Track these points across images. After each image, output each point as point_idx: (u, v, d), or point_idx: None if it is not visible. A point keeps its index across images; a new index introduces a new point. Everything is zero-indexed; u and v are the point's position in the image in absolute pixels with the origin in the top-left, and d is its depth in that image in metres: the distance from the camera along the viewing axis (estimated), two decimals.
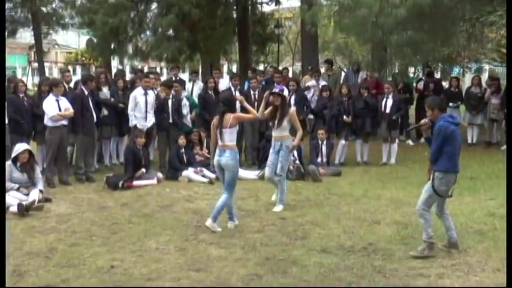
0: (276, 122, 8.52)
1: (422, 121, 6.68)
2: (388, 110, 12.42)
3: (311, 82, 13.86)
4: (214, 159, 7.52)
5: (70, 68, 38.27)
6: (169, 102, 11.47)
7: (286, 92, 8.53)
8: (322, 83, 13.79)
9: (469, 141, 15.10)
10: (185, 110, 12.10)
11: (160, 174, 10.72)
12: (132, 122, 11.26)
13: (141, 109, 11.23)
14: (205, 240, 7.00)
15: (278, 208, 8.52)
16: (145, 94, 11.28)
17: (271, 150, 8.65)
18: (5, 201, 8.06)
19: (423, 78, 16.71)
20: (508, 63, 13.40)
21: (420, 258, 6.32)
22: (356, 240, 7.02)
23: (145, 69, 42.28)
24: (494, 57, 27.89)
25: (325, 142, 11.70)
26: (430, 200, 6.48)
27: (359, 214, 8.22)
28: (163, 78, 18.47)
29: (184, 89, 12.87)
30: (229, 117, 7.41)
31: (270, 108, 8.67)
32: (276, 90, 8.57)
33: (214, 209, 7.45)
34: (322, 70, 16.76)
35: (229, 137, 7.41)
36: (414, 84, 16.86)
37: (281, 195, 8.58)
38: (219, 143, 7.46)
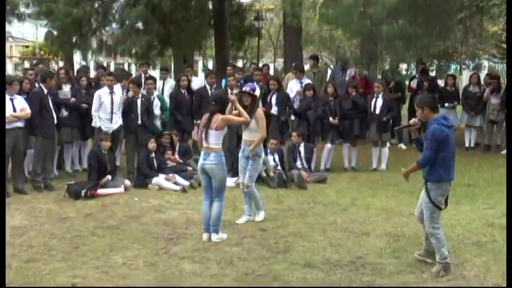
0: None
1: (412, 121, 6.67)
2: (378, 111, 12.52)
3: (295, 86, 13.62)
4: (199, 162, 7.57)
5: (27, 63, 37.97)
6: (138, 101, 11.45)
7: (258, 91, 8.37)
8: (306, 81, 13.87)
9: (467, 144, 15.28)
10: (156, 111, 12.09)
11: (127, 182, 10.68)
12: (96, 123, 11.22)
13: (106, 109, 11.19)
14: (177, 254, 7.00)
15: (260, 217, 8.54)
16: (111, 93, 11.25)
17: (240, 154, 8.61)
18: (5, 201, 7.99)
19: (417, 75, 16.88)
20: (508, 61, 13.59)
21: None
22: (343, 253, 7.06)
23: (112, 66, 42.22)
24: (494, 54, 28.26)
25: (302, 145, 11.74)
26: (435, 216, 6.43)
27: (346, 225, 8.28)
28: (133, 74, 18.41)
29: (155, 87, 12.83)
30: (217, 118, 7.46)
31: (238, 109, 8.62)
32: (247, 89, 8.44)
33: (211, 221, 7.49)
34: (307, 67, 16.83)
35: (215, 139, 7.45)
36: (407, 83, 17.01)
37: (257, 203, 8.59)
38: (204, 144, 7.49)
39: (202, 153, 7.55)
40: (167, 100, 12.70)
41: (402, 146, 15.57)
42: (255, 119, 8.24)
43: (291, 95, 13.30)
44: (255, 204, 8.62)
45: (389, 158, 12.85)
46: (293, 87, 13.66)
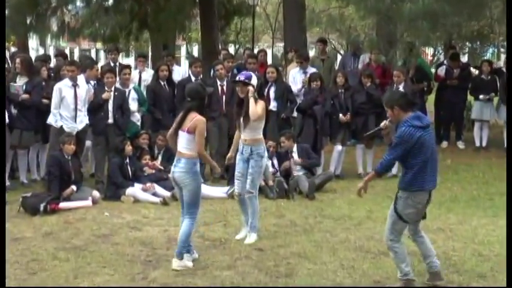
0: (242, 120, 8.55)
1: (382, 124, 6.76)
2: None
3: (299, 76, 13.65)
4: (171, 170, 7.63)
5: None
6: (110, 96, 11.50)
7: (254, 80, 8.47)
8: (311, 70, 13.91)
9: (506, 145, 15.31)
10: (134, 106, 12.08)
11: (96, 193, 10.69)
12: (57, 123, 11.21)
13: (68, 106, 11.19)
14: (157, 280, 7.00)
15: (251, 239, 8.48)
16: (74, 86, 11.25)
17: (238, 157, 8.70)
18: (5, 201, 7.98)
19: (445, 62, 16.91)
20: (508, 60, 13.60)
21: None
22: (357, 277, 7.08)
23: (76, 52, 42.23)
24: None
25: (295, 148, 11.76)
26: (397, 228, 6.61)
27: (361, 243, 8.30)
28: (101, 64, 18.43)
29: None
30: (192, 117, 7.43)
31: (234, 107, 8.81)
32: (241, 77, 8.56)
33: (178, 243, 7.47)
34: (312, 53, 16.91)
35: (187, 143, 7.45)
36: (433, 70, 17.04)
37: (253, 219, 8.60)
38: (177, 148, 7.54)
39: (175, 159, 7.57)
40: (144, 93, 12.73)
41: None
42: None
43: (294, 88, 13.34)
44: (250, 218, 8.61)
45: None
46: (296, 77, 13.67)
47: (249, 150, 8.55)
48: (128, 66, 12.85)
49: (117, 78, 11.82)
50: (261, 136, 8.66)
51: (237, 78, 8.65)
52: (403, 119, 6.48)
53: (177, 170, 7.47)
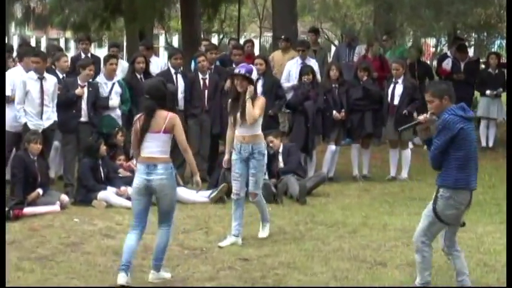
0: (239, 116, 8.64)
1: (422, 117, 6.75)
2: (397, 101, 12.59)
3: (296, 68, 13.69)
4: (137, 179, 7.36)
5: None
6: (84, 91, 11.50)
7: (255, 74, 8.74)
8: (311, 61, 13.91)
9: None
10: (116, 100, 12.01)
11: (65, 197, 10.66)
12: (21, 119, 11.16)
13: (33, 101, 11.15)
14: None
15: (265, 232, 9.01)
16: (41, 79, 11.22)
17: (234, 157, 8.81)
18: (4, 201, 7.98)
19: (449, 53, 16.95)
20: (508, 58, 13.66)
21: None
22: None
23: (43, 41, 42.05)
24: None
25: (280, 149, 11.81)
26: (432, 230, 6.61)
27: (356, 252, 8.32)
28: (71, 54, 18.38)
29: (99, 70, 12.81)
30: (164, 116, 7.33)
31: (229, 100, 8.90)
32: (241, 71, 8.70)
33: (155, 254, 7.43)
34: None
35: (163, 145, 7.34)
36: (435, 63, 17.12)
37: (264, 214, 9.06)
38: (143, 154, 7.33)
39: (141, 166, 7.31)
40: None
41: None
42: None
43: (288, 83, 13.36)
44: (261, 215, 9.08)
45: (411, 163, 12.92)
46: (292, 69, 13.68)
47: (249, 148, 8.69)
48: (115, 56, 12.80)
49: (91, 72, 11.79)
50: (261, 132, 8.85)
51: (237, 71, 8.78)
52: (445, 110, 6.49)
53: (157, 178, 7.25)
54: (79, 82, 11.57)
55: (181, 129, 7.45)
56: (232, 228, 8.84)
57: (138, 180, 7.32)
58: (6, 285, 7.14)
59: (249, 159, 8.72)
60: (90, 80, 11.77)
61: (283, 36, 15.88)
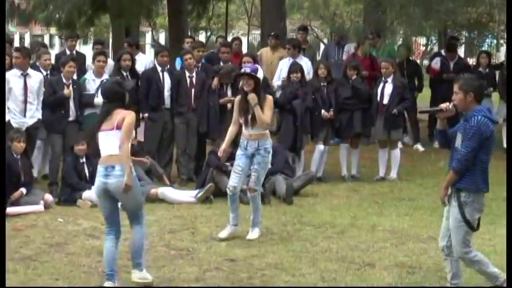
0: (250, 116, 8.86)
1: (444, 105, 6.74)
2: (386, 101, 12.61)
3: (276, 80, 13.73)
4: (96, 181, 7.23)
5: None
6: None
7: (260, 73, 8.95)
8: (303, 60, 13.90)
9: (505, 145, 15.40)
10: (101, 98, 11.96)
11: (49, 197, 10.64)
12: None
13: (16, 98, 11.13)
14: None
15: (254, 234, 8.94)
16: (24, 76, 11.20)
17: (239, 152, 9.02)
18: (4, 201, 7.96)
19: (443, 52, 16.96)
20: (508, 56, 13.70)
21: None
22: None
23: (27, 38, 41.96)
24: None
25: None
26: (468, 237, 6.58)
27: (344, 253, 8.33)
28: (55, 51, 18.36)
29: (84, 68, 12.80)
30: (118, 112, 7.08)
31: (237, 98, 9.08)
32: (247, 70, 8.94)
33: (132, 253, 7.33)
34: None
35: (119, 143, 7.03)
36: (426, 62, 17.17)
37: (255, 215, 9.07)
38: (101, 154, 7.16)
39: (100, 167, 7.14)
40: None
41: (419, 147, 15.70)
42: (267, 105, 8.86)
43: (279, 81, 13.38)
44: (253, 215, 9.06)
45: (401, 163, 12.95)
46: (284, 68, 13.68)
47: (255, 145, 8.89)
48: (103, 53, 12.77)
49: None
50: (267, 131, 9.05)
51: (242, 71, 9.02)
52: (472, 109, 6.48)
53: (113, 180, 7.01)
54: (64, 80, 11.55)
55: (130, 125, 7.06)
56: (230, 219, 9.02)
57: (96, 183, 7.20)
58: (5, 285, 7.15)
59: (254, 155, 8.92)
60: (75, 77, 11.74)
61: (272, 33, 15.88)
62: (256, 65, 9.35)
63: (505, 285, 6.59)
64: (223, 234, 8.89)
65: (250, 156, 8.93)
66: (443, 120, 6.77)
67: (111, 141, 7.05)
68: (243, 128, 8.97)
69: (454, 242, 6.58)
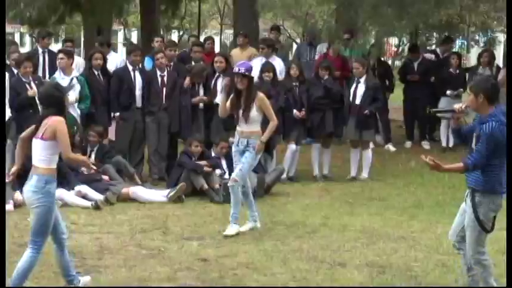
0: (241, 112, 9.21)
1: (457, 106, 6.79)
2: (358, 101, 12.65)
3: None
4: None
5: None
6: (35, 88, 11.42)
7: (254, 71, 9.36)
8: (276, 60, 13.89)
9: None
10: (73, 96, 11.88)
11: (19, 196, 10.57)
12: None
13: None
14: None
15: (229, 230, 9.13)
16: None
17: (234, 149, 9.47)
18: (4, 201, 7.87)
19: (438, 51, 17.04)
20: (508, 54, 13.81)
21: None
22: None
23: None
24: None
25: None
26: (483, 238, 6.60)
27: (315, 252, 8.36)
28: (26, 49, 18.25)
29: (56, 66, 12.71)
30: (47, 122, 6.69)
31: (231, 96, 9.30)
32: (241, 69, 9.16)
33: (14, 276, 6.74)
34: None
35: (41, 153, 6.68)
36: (398, 63, 17.28)
37: (236, 210, 9.26)
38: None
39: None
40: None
41: (390, 147, 15.77)
42: (256, 105, 9.16)
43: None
44: (232, 210, 9.26)
45: (372, 163, 13.01)
46: (256, 68, 13.62)
47: (245, 142, 9.26)
48: (63, 51, 12.62)
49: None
50: (259, 129, 9.34)
51: (236, 70, 9.26)
52: (487, 113, 6.48)
53: (27, 188, 6.70)
54: (23, 80, 11.51)
55: (64, 135, 6.63)
56: (248, 216, 9.48)
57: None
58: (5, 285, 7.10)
59: (244, 152, 9.26)
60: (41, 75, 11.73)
61: (240, 32, 15.89)
62: (250, 64, 9.58)
63: None
64: (244, 228, 9.30)
65: (242, 152, 9.28)
66: (457, 120, 6.84)
67: (35, 150, 6.71)
68: (237, 124, 9.33)
69: (468, 240, 6.61)
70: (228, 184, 9.46)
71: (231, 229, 9.15)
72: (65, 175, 11.02)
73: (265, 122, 9.43)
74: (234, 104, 9.29)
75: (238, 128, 9.35)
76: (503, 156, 6.49)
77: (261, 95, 9.36)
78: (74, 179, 11.04)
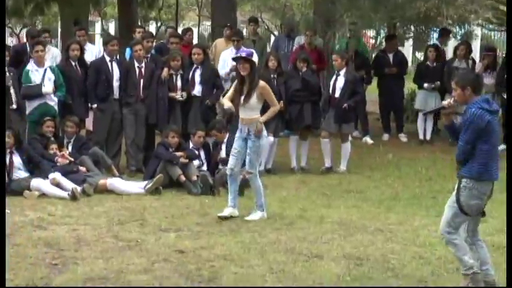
0: (242, 98, 9.42)
1: (446, 102, 7.02)
2: (337, 94, 12.67)
3: (221, 69, 13.72)
4: None
5: None
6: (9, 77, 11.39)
7: (256, 57, 9.42)
8: (245, 51, 13.87)
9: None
10: (49, 86, 11.85)
11: None
12: None
13: None
14: (63, 286, 6.93)
15: (255, 216, 9.46)
16: None
17: (237, 135, 9.63)
18: (5, 201, 7.80)
19: (438, 43, 17.14)
20: (508, 48, 13.86)
21: None
22: (288, 282, 7.13)
23: None
24: (489, 18, 28.85)
25: (225, 140, 11.85)
26: (456, 220, 6.76)
27: (293, 244, 8.37)
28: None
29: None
30: None
31: (235, 83, 9.61)
32: (242, 54, 9.49)
33: None
34: (244, 32, 16.93)
35: None
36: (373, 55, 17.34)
37: (257, 198, 9.58)
38: None
39: None
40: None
41: (368, 139, 15.83)
42: (256, 93, 9.36)
43: (222, 72, 13.38)
44: (255, 198, 9.57)
45: (350, 156, 13.05)
46: (227, 58, 13.65)
47: (246, 130, 9.47)
48: (40, 43, 12.58)
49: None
50: (258, 115, 9.50)
51: (237, 55, 9.76)
52: (471, 101, 6.66)
53: None
54: None
55: None
56: (228, 201, 9.58)
57: None
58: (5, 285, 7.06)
59: (247, 140, 9.46)
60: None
61: (228, 24, 15.89)
62: (251, 50, 9.78)
63: (477, 274, 6.73)
64: (224, 213, 9.43)
65: (244, 139, 9.48)
66: (448, 116, 6.98)
67: None
68: (239, 110, 9.52)
69: (444, 217, 6.81)
70: (247, 177, 9.78)
71: (254, 215, 9.53)
72: (38, 164, 10.99)
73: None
74: (237, 90, 9.48)
75: (240, 114, 9.56)
76: (490, 144, 6.63)
77: (262, 83, 9.53)
78: (47, 167, 10.99)
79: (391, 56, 16.34)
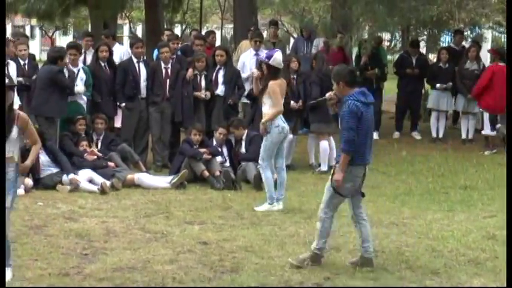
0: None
1: (328, 94, 7.56)
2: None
3: (250, 59, 13.65)
4: None
5: None
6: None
7: (274, 60, 9.56)
8: (263, 53, 13.87)
9: (463, 136, 15.53)
10: (80, 87, 11.90)
11: (29, 181, 10.56)
12: None
13: None
14: (93, 275, 6.97)
15: (262, 207, 9.66)
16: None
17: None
18: (5, 201, 7.89)
19: (452, 45, 17.09)
20: (508, 50, 13.78)
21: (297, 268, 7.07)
22: (306, 273, 7.13)
23: (9, 29, 41.63)
24: (500, 21, 28.69)
25: (244, 137, 11.87)
26: (334, 202, 7.20)
27: (311, 237, 8.29)
28: (36, 42, 18.21)
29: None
30: None
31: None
32: (262, 57, 9.85)
33: None
34: (264, 35, 16.89)
35: None
36: (389, 57, 17.27)
37: (267, 190, 9.71)
38: None
39: None
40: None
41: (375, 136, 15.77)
42: (267, 92, 9.57)
43: (244, 73, 13.37)
44: (266, 189, 9.75)
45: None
46: (246, 60, 13.63)
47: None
48: (76, 46, 12.62)
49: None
50: (270, 110, 9.64)
51: (260, 58, 10.13)
52: (347, 94, 7.04)
53: None
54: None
55: None
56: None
57: None
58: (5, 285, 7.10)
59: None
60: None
61: (252, 28, 15.89)
62: (273, 51, 9.92)
63: (319, 256, 7.25)
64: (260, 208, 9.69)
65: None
66: (333, 106, 7.53)
67: None
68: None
69: (323, 199, 7.29)
70: (257, 167, 10.22)
71: (262, 206, 9.72)
72: (60, 161, 10.96)
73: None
74: (257, 87, 9.88)
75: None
76: (363, 131, 6.99)
77: (270, 82, 9.57)
78: (77, 163, 11.12)
79: (414, 58, 16.26)
